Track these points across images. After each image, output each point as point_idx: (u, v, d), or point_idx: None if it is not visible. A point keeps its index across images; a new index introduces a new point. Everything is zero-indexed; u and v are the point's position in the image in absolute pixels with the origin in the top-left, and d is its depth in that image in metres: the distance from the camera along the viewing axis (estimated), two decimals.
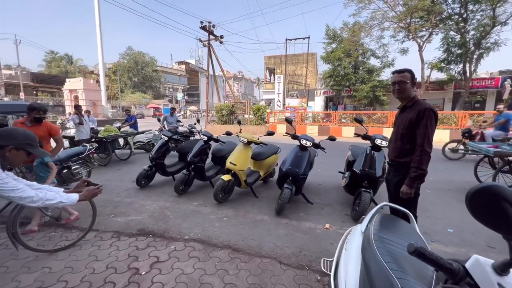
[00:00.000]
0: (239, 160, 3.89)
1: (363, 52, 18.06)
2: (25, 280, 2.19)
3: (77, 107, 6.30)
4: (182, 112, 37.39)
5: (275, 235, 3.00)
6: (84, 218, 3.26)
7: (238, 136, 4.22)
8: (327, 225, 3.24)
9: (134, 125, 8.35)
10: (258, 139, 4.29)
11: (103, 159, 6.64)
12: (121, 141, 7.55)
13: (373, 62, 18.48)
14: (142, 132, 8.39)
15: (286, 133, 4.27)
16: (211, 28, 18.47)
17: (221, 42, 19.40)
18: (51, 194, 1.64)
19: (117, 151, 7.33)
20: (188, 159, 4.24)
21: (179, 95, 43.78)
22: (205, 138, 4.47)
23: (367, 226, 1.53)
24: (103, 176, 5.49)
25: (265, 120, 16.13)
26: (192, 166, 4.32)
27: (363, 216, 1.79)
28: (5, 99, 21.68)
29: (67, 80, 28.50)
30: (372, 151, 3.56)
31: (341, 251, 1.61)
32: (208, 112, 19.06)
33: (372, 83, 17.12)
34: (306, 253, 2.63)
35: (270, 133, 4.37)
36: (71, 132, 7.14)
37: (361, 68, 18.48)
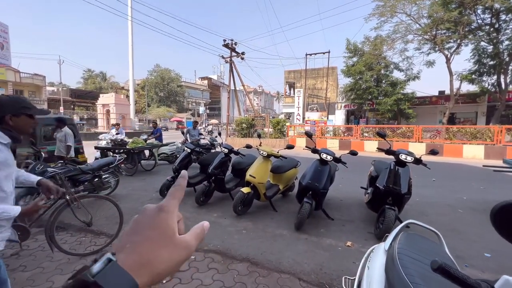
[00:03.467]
0: (258, 173, 3.93)
1: (385, 65, 17.73)
2: (58, 281, 2.35)
3: (117, 124, 6.86)
4: (204, 126, 38.63)
5: (294, 251, 2.95)
6: (111, 225, 3.45)
7: (258, 149, 4.29)
8: (348, 243, 3.12)
9: (159, 138, 8.77)
10: (277, 152, 4.32)
11: (130, 169, 7.00)
12: (146, 152, 7.95)
13: (397, 74, 18.04)
14: (166, 144, 8.77)
15: (306, 146, 4.26)
16: (233, 45, 19.29)
17: (242, 59, 20.12)
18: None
19: (142, 161, 7.71)
20: (209, 171, 4.36)
21: (201, 109, 45.39)
22: (226, 150, 4.59)
23: (391, 244, 1.48)
24: (129, 186, 5.77)
25: (284, 133, 16.15)
26: (213, 177, 4.42)
27: (387, 234, 1.73)
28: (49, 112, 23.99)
29: (100, 95, 30.89)
30: (397, 167, 3.43)
31: (364, 269, 1.56)
32: (228, 126, 19.52)
33: (396, 96, 16.62)
34: (327, 271, 2.54)
35: (290, 147, 4.38)
36: (103, 143, 7.67)
37: (384, 81, 18.08)
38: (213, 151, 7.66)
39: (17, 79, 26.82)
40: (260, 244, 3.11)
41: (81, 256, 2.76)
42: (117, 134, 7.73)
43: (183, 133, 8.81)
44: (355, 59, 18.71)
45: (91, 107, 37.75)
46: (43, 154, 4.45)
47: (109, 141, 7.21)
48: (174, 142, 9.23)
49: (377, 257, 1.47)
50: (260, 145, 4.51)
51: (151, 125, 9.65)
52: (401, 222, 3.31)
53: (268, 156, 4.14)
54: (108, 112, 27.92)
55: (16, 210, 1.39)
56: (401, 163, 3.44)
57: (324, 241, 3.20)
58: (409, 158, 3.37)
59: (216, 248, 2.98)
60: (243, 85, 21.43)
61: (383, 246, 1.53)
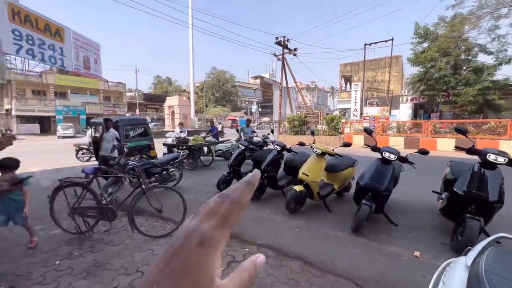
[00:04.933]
0: (312, 171, 3.83)
1: (467, 48, 14.91)
2: (136, 257, 2.77)
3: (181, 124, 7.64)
4: (257, 123, 39.61)
5: (350, 254, 2.78)
6: (177, 213, 3.87)
7: (311, 146, 4.17)
8: (416, 253, 2.77)
9: (216, 135, 9.39)
10: (333, 150, 4.13)
11: (191, 164, 7.71)
12: (205, 149, 8.62)
13: (483, 58, 14.97)
14: (222, 142, 9.34)
15: (365, 144, 3.95)
16: (285, 42, 19.14)
17: (295, 55, 19.80)
18: None
19: (202, 157, 8.39)
20: (262, 167, 4.45)
21: (254, 107, 46.64)
22: (279, 148, 4.62)
23: (475, 260, 1.26)
24: (191, 179, 6.36)
25: (339, 130, 15.27)
26: (266, 174, 4.51)
27: (468, 248, 1.47)
28: (127, 114, 28.39)
29: (167, 98, 34.86)
30: (482, 169, 2.87)
31: (437, 285, 1.37)
32: (280, 123, 19.55)
33: (482, 84, 13.80)
34: (389, 281, 2.32)
35: (347, 145, 4.13)
36: (169, 141, 8.63)
37: (464, 68, 15.27)
38: (265, 148, 7.81)
39: (106, 87, 32.41)
40: (313, 243, 3.04)
41: (154, 237, 3.18)
42: (180, 132, 8.61)
43: (237, 130, 9.20)
44: (425, 44, 16.27)
45: (159, 108, 42.95)
46: (125, 150, 5.27)
47: (174, 138, 8.08)
48: (229, 140, 9.75)
49: (455, 273, 1.27)
50: (313, 143, 4.38)
51: (208, 123, 10.41)
52: (487, 235, 2.76)
53: (322, 154, 3.99)
54: (173, 113, 31.24)
55: None
56: (490, 165, 2.86)
57: (385, 247, 2.92)
58: (500, 159, 2.78)
59: (269, 244, 3.04)
60: (295, 82, 21.12)
61: (464, 260, 1.32)
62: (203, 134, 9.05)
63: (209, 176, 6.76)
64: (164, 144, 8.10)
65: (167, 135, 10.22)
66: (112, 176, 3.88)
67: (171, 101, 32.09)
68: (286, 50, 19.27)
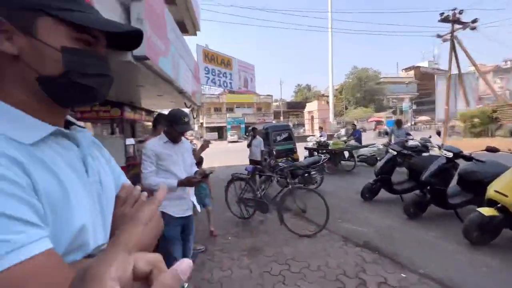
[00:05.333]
0: None
1: None
2: (285, 250, 3.06)
3: (321, 128, 7.80)
4: (409, 124, 32.86)
5: None
6: (319, 216, 3.91)
7: None
8: None
9: (359, 139, 8.70)
10: None
11: (331, 169, 7.60)
12: (346, 153, 8.20)
13: None
14: (366, 146, 8.50)
15: None
16: (456, 16, 14.56)
17: (473, 29, 14.62)
18: (158, 180, 1.81)
19: (342, 162, 8.05)
20: (423, 178, 3.59)
21: (404, 105, 38.99)
22: (450, 154, 3.54)
23: None
24: (332, 183, 6.25)
25: None
26: (428, 187, 3.60)
27: None
28: (273, 122, 32.83)
29: (307, 104, 36.76)
30: None
31: None
32: (447, 122, 15.03)
33: None
34: None
35: None
36: (310, 144, 8.98)
37: None
38: (426, 154, 6.28)
39: (258, 100, 39.04)
40: None
41: (299, 235, 3.39)
42: (320, 136, 8.75)
43: (386, 133, 8.05)
44: None
45: (300, 114, 46.00)
46: (274, 152, 6.04)
47: (315, 142, 8.30)
48: (374, 144, 8.71)
49: None
50: None
51: (348, 127, 9.84)
52: None
53: None
54: (312, 117, 32.43)
55: (173, 183, 1.79)
56: None
57: None
58: None
59: (436, 277, 2.38)
60: (475, 65, 15.47)
61: None
62: (344, 138, 8.66)
63: (351, 182, 6.36)
64: (305, 148, 8.54)
65: (308, 139, 10.72)
66: (264, 175, 4.56)
67: (311, 106, 33.49)
68: (457, 26, 14.64)
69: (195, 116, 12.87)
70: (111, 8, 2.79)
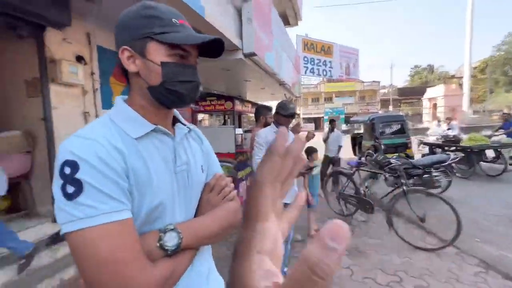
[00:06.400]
0: None
1: None
2: (394, 259, 2.67)
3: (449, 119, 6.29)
4: None
5: None
6: (444, 229, 3.15)
7: None
8: None
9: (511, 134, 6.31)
10: None
11: (465, 171, 5.91)
12: (489, 152, 6.15)
13: None
14: None
15: None
16: None
17: None
18: None
19: (482, 164, 6.10)
20: None
21: None
22: None
23: None
24: (464, 190, 4.88)
25: None
26: None
27: None
28: (379, 112, 28.64)
29: (427, 89, 29.79)
30: None
31: None
32: None
33: None
34: None
35: None
36: (431, 139, 7.30)
37: None
38: None
39: (361, 88, 35.13)
40: None
41: (413, 246, 2.86)
42: (448, 129, 6.91)
43: None
44: None
45: (415, 103, 38.09)
46: (382, 147, 5.30)
47: (439, 136, 6.67)
48: None
49: None
50: None
51: (501, 116, 7.26)
52: None
53: None
54: (434, 105, 26.21)
55: None
56: None
57: None
58: None
59: None
60: None
61: None
62: (488, 132, 6.51)
63: (494, 191, 4.77)
64: (424, 143, 7.02)
65: (428, 132, 8.75)
66: (370, 171, 4.08)
67: (433, 92, 26.99)
68: None
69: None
70: (225, 12, 3.17)
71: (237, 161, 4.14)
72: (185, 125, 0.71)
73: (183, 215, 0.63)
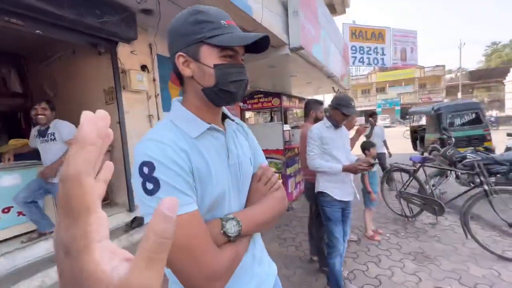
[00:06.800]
0: None
1: None
2: (472, 269, 2.30)
3: None
4: None
5: None
6: None
7: None
8: None
9: None
10: None
11: None
12: None
13: None
14: None
15: None
16: None
17: None
18: (324, 164, 1.89)
19: None
20: None
21: None
22: None
23: None
24: None
25: None
26: None
27: None
28: (445, 100, 24.85)
29: (511, 69, 24.67)
30: None
31: None
32: None
33: None
34: None
35: None
36: None
37: None
38: None
39: (421, 74, 31.08)
40: None
41: (498, 256, 2.42)
42: None
43: None
44: None
45: (494, 87, 32.01)
46: (453, 140, 4.59)
47: None
48: None
49: None
50: None
51: None
52: None
53: None
54: None
55: (339, 167, 1.85)
56: None
57: None
58: None
59: None
60: None
61: None
62: None
63: None
64: (509, 135, 5.84)
65: None
66: (437, 168, 3.59)
67: None
68: None
69: None
70: (271, 7, 3.15)
71: (286, 157, 4.11)
72: (233, 120, 0.76)
73: (237, 204, 0.69)
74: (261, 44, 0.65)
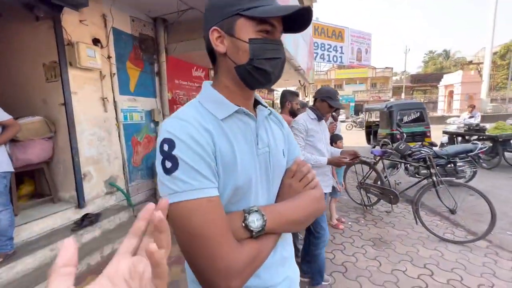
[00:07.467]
0: None
1: None
2: (422, 251, 2.58)
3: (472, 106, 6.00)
4: None
5: None
6: (473, 221, 3.04)
7: None
8: None
9: None
10: None
11: (489, 162, 5.68)
12: None
13: None
14: None
15: None
16: None
17: None
18: (310, 156, 1.86)
19: (507, 154, 5.84)
20: None
21: None
22: None
23: None
24: (488, 181, 4.69)
25: None
26: None
27: None
28: (391, 99, 27.77)
29: (444, 76, 28.52)
30: None
31: None
32: None
33: None
34: None
35: None
36: (452, 128, 7.02)
37: None
38: None
39: (373, 74, 33.98)
40: None
41: (441, 238, 2.76)
42: (470, 117, 6.60)
43: None
44: None
45: (429, 90, 36.77)
46: (404, 135, 5.06)
47: (461, 125, 6.39)
48: None
49: None
50: None
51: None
52: None
53: None
54: (451, 93, 25.24)
55: (324, 160, 1.86)
56: None
57: None
58: None
59: None
60: None
61: None
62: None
63: None
64: (444, 132, 6.74)
65: (448, 121, 8.41)
66: (394, 161, 3.93)
67: (450, 78, 25.86)
68: None
69: (306, 94, 12.66)
70: None
71: None
72: (266, 107, 0.69)
73: (265, 197, 0.63)
74: (300, 22, 0.59)
